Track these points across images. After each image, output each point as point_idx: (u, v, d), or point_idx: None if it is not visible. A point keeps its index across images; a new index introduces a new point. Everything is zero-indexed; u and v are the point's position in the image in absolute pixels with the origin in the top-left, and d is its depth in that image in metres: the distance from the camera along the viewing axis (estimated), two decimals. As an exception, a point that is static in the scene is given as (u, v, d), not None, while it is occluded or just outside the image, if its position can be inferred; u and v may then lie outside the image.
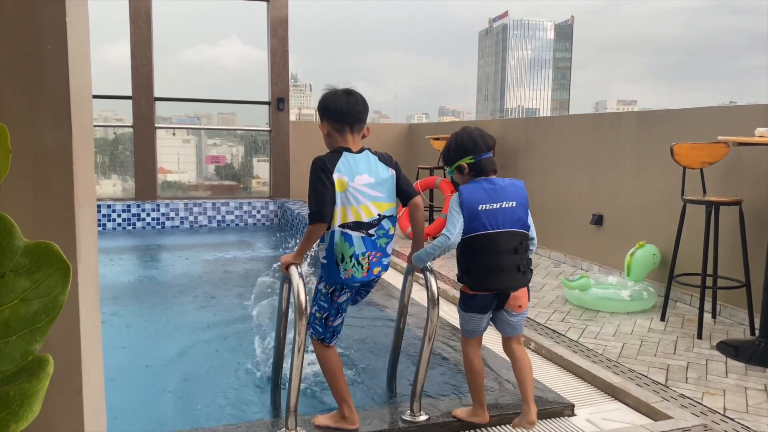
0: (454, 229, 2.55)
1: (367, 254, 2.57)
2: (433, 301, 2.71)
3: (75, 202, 0.97)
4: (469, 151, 2.65)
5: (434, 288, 2.73)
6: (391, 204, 2.64)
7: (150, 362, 3.70)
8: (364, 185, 2.55)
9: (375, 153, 2.66)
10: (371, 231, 2.56)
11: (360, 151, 2.63)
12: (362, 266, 2.57)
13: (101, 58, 9.07)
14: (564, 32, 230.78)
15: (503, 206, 2.59)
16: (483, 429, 2.86)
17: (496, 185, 2.63)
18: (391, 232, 2.65)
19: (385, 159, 2.67)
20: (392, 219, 2.64)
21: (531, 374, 2.74)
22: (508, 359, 2.88)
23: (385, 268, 2.69)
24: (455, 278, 2.93)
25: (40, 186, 0.95)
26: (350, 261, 2.55)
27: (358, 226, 2.53)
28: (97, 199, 7.58)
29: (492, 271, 2.58)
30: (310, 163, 2.51)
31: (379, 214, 2.58)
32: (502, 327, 2.75)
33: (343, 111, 2.60)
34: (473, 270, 2.61)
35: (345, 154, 2.58)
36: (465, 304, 2.70)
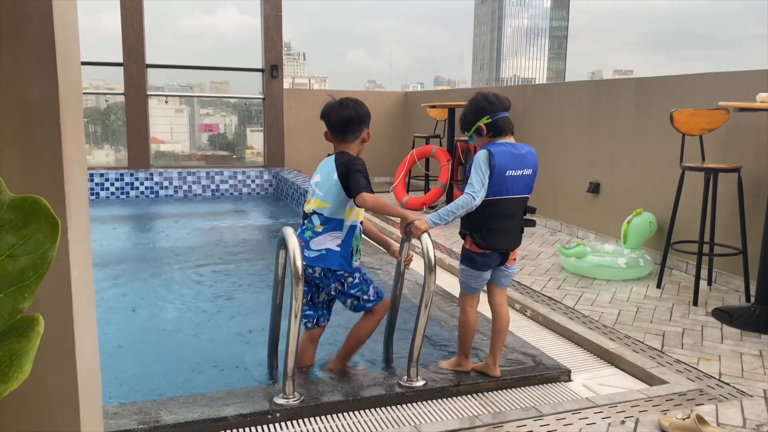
0: (481, 189, 2.67)
1: (299, 240, 2.82)
2: (430, 268, 2.70)
3: (63, 157, 0.92)
4: (486, 111, 2.75)
5: (431, 254, 2.70)
6: (326, 204, 2.79)
7: (145, 329, 3.69)
8: (314, 183, 2.88)
9: (337, 155, 2.85)
10: (305, 221, 2.89)
11: (332, 155, 2.90)
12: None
13: (97, 26, 8.89)
14: (561, 0, 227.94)
15: (523, 173, 2.75)
16: (480, 395, 2.87)
17: (520, 151, 2.76)
18: (318, 229, 2.80)
19: (337, 160, 2.81)
20: (322, 218, 2.80)
21: (506, 332, 2.99)
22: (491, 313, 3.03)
23: (307, 260, 2.79)
24: (451, 243, 2.96)
25: (25, 140, 0.91)
26: None
27: (303, 214, 2.93)
28: (89, 168, 7.44)
29: (501, 233, 2.77)
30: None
31: (312, 210, 2.82)
32: (497, 280, 2.92)
33: (325, 121, 2.91)
34: (486, 230, 2.76)
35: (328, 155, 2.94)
36: (473, 262, 2.83)
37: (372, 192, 2.72)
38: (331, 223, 2.79)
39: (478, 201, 2.66)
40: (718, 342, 3.44)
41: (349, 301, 2.91)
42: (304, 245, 2.80)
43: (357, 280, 2.87)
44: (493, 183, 2.66)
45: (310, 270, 2.81)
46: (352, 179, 2.72)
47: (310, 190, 2.92)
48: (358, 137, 2.87)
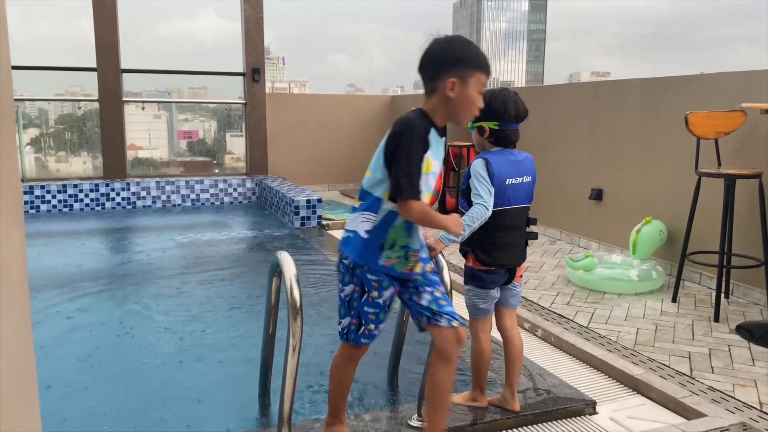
0: (489, 198, 2.42)
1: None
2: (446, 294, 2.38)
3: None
4: (497, 117, 2.48)
5: (447, 278, 2.39)
6: (368, 172, 2.08)
7: (116, 359, 3.32)
8: None
9: (409, 113, 2.09)
10: None
11: None
12: None
13: (75, 31, 8.49)
14: (538, 3, 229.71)
15: (523, 181, 2.53)
16: (500, 434, 2.57)
17: (517, 158, 2.54)
18: (356, 204, 2.14)
19: (398, 119, 2.04)
20: (361, 191, 2.10)
21: (521, 358, 2.70)
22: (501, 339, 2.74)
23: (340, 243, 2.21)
24: (448, 255, 2.66)
25: None
26: None
27: None
28: (62, 179, 6.97)
29: (506, 247, 2.54)
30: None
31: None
32: (505, 300, 2.65)
33: None
34: (489, 245, 2.51)
35: None
36: (479, 280, 2.57)
37: (417, 197, 1.94)
38: (367, 200, 2.07)
39: (491, 211, 2.43)
40: (749, 364, 3.17)
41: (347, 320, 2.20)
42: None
43: (346, 288, 2.15)
44: (494, 193, 2.45)
45: (345, 260, 2.14)
46: (394, 169, 1.96)
47: None
48: (435, 88, 2.03)
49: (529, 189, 2.56)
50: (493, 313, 2.66)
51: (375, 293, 2.10)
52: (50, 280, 4.78)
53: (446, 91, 2.00)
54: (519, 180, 2.51)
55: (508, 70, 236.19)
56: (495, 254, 2.52)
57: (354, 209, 2.13)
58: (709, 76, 4.62)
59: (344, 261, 2.12)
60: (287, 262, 2.25)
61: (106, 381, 3.07)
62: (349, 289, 2.12)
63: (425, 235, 2.45)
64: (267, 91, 9.30)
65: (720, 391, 2.86)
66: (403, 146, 1.95)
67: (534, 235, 2.69)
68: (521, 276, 2.67)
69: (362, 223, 2.08)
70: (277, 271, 2.39)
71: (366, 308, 2.12)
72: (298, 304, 2.18)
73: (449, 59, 2.02)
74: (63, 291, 4.50)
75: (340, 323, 2.18)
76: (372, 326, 2.14)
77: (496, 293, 2.60)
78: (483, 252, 2.51)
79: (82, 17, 8.33)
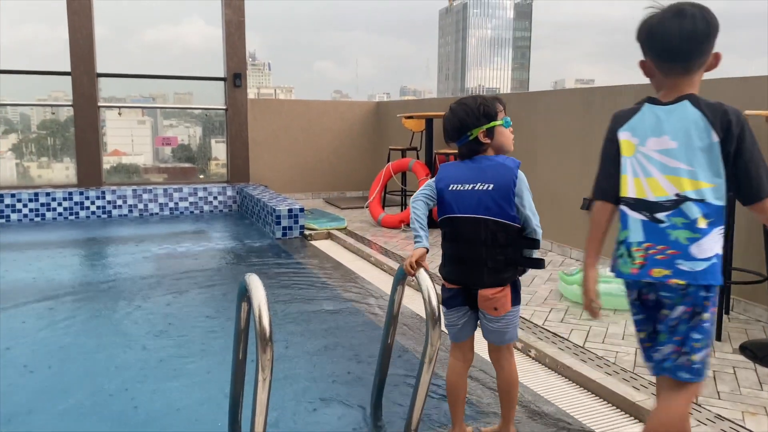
0: (419, 193, 2.35)
1: (644, 246, 1.84)
2: (433, 319, 2.15)
3: None
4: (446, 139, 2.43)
5: (434, 302, 2.16)
6: (706, 183, 1.76)
7: (77, 386, 3.04)
8: (658, 151, 1.83)
9: (703, 106, 1.79)
10: (659, 215, 1.82)
11: (676, 100, 1.83)
12: (632, 259, 1.86)
13: (61, 36, 8.22)
14: (523, 11, 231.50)
15: (475, 188, 2.26)
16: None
17: (479, 164, 2.30)
18: (702, 225, 1.77)
19: (711, 117, 1.77)
20: (704, 206, 1.76)
21: (512, 391, 2.44)
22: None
23: (685, 276, 1.78)
24: (435, 267, 2.52)
25: None
26: (620, 248, 1.93)
27: (639, 204, 1.86)
28: (35, 186, 6.67)
29: (456, 261, 2.32)
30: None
31: (677, 194, 1.79)
32: (484, 332, 2.40)
33: (648, 43, 1.87)
34: (444, 257, 2.39)
35: (646, 105, 1.89)
36: (443, 295, 2.40)
37: None
38: (718, 214, 1.79)
39: (416, 203, 2.33)
40: (757, 388, 2.96)
41: (670, 346, 1.86)
42: (673, 253, 1.80)
43: (712, 315, 1.84)
44: (438, 198, 2.34)
45: (674, 282, 1.80)
46: (753, 164, 1.75)
47: (636, 164, 1.88)
48: (702, 64, 1.83)
49: (485, 198, 2.22)
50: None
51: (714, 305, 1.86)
52: (15, 294, 4.49)
53: (716, 64, 1.83)
54: (468, 187, 2.25)
55: (493, 77, 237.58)
56: (447, 267, 2.35)
57: (700, 232, 1.77)
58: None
59: (677, 290, 1.82)
60: (256, 285, 2.01)
61: (62, 413, 2.79)
62: (704, 311, 1.82)
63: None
64: (252, 97, 9.04)
65: (729, 420, 2.65)
66: (752, 141, 1.77)
67: (536, 263, 2.27)
68: (496, 309, 2.26)
69: (718, 242, 1.80)
70: (245, 295, 2.15)
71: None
72: (267, 333, 1.93)
73: (716, 25, 1.80)
74: (28, 305, 4.21)
75: (700, 359, 1.83)
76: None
77: (462, 318, 2.36)
78: (442, 264, 2.38)
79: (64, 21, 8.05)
